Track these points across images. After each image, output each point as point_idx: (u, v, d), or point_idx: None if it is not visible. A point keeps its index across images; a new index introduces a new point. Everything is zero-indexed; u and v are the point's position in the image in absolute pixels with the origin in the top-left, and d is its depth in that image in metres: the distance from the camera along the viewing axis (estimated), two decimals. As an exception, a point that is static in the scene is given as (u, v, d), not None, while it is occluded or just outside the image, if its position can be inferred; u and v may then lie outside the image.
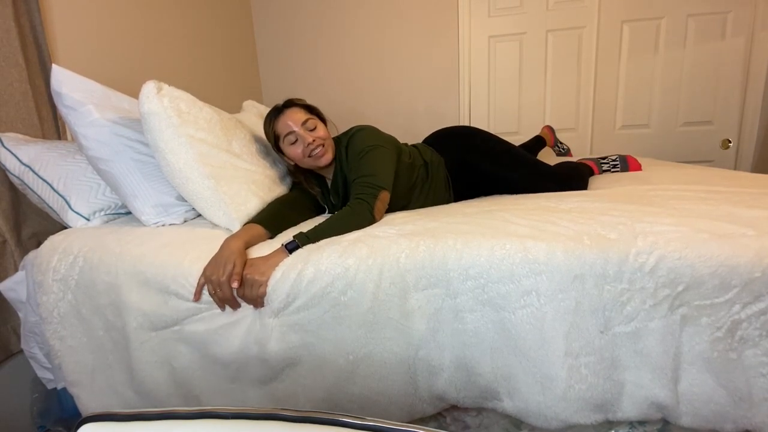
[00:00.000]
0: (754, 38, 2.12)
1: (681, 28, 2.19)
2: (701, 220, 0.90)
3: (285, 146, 1.25)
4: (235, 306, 0.95)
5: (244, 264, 0.96)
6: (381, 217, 1.16)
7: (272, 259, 0.97)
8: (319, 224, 1.05)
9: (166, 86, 1.09)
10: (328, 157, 1.24)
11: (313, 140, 1.21)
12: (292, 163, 1.30)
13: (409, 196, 1.32)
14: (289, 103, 1.27)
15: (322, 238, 1.02)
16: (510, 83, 2.45)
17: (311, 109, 1.29)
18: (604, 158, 1.72)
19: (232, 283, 0.91)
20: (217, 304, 0.95)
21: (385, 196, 1.17)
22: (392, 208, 1.26)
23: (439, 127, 1.57)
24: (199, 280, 0.95)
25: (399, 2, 2.47)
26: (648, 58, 2.26)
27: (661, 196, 1.12)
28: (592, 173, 1.64)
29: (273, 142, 1.27)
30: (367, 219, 1.10)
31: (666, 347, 0.82)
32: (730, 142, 2.26)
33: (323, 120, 1.30)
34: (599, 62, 2.32)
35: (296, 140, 1.22)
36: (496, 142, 1.46)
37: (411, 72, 2.55)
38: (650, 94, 2.30)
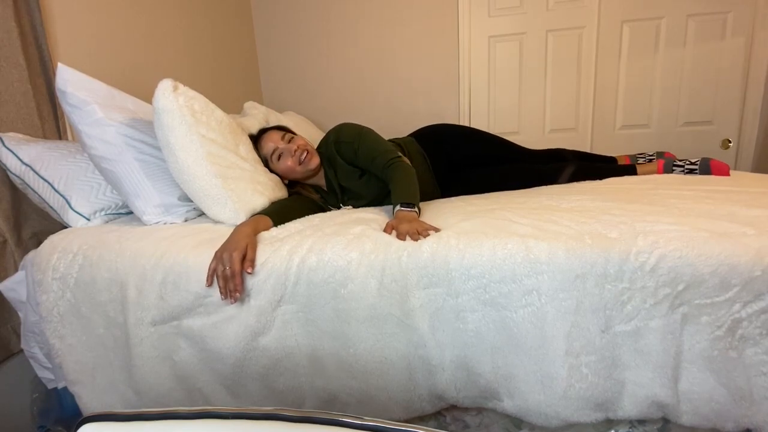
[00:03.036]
0: (754, 38, 2.12)
1: (681, 28, 2.19)
2: (701, 219, 0.90)
3: (275, 164, 1.33)
4: (239, 286, 0.90)
5: (255, 249, 0.96)
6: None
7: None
8: (398, 190, 1.14)
9: (181, 85, 1.11)
10: (316, 160, 1.32)
11: (297, 147, 1.30)
12: (286, 181, 1.37)
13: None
14: (263, 130, 1.39)
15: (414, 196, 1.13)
16: (510, 83, 2.45)
17: (283, 128, 1.40)
18: (681, 161, 1.52)
19: (247, 269, 0.91)
20: (220, 287, 0.91)
21: (403, 158, 1.28)
22: (379, 188, 1.36)
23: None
24: (210, 264, 0.93)
25: (399, 2, 2.47)
26: (648, 58, 2.26)
27: (661, 195, 1.12)
28: (622, 172, 1.49)
29: (264, 165, 1.33)
30: (411, 169, 1.22)
31: (666, 346, 0.82)
32: (730, 142, 2.26)
33: (294, 134, 1.40)
34: (599, 62, 2.32)
35: (282, 154, 1.31)
36: (479, 132, 1.61)
37: (411, 72, 2.55)
38: (650, 94, 2.30)
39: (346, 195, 1.39)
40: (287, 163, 1.30)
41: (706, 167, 1.45)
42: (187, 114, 1.07)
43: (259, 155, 1.33)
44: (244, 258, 0.92)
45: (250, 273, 0.92)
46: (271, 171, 1.33)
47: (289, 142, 1.32)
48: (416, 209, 1.09)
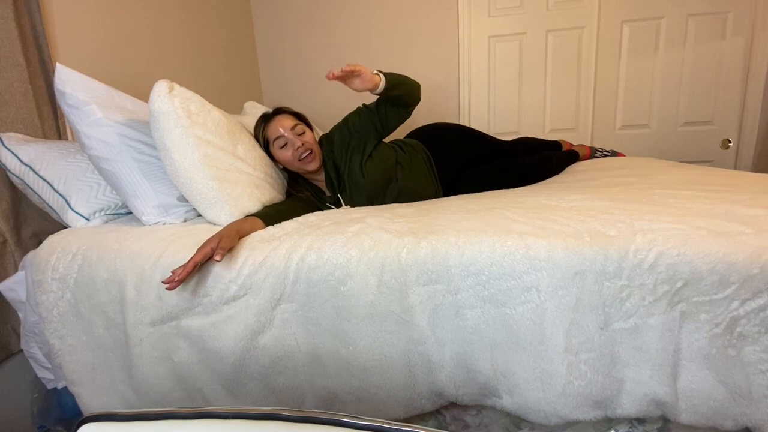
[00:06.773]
0: (754, 38, 2.12)
1: (681, 28, 2.19)
2: (700, 218, 0.90)
3: (275, 150, 1.31)
4: (181, 274, 0.86)
5: (230, 241, 0.94)
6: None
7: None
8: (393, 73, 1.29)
9: (177, 86, 1.10)
10: (316, 162, 1.31)
11: (302, 144, 1.28)
12: (281, 166, 1.36)
13: (394, 172, 1.41)
14: (279, 110, 1.35)
15: (395, 81, 1.29)
16: (510, 83, 2.46)
17: (299, 116, 1.37)
18: (599, 150, 1.98)
19: (215, 257, 0.88)
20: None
21: None
22: (380, 182, 1.38)
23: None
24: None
25: (399, 3, 2.47)
26: (648, 58, 2.26)
27: (660, 195, 1.12)
28: (575, 159, 1.86)
29: (263, 147, 1.32)
30: (417, 84, 1.38)
31: (665, 344, 0.82)
32: (730, 142, 2.26)
33: (310, 127, 1.38)
34: (599, 62, 2.32)
35: (285, 144, 1.29)
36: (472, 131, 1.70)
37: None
38: (650, 94, 2.30)
39: (345, 186, 1.37)
40: (287, 155, 1.29)
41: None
42: (183, 116, 1.06)
43: (261, 134, 1.31)
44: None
45: (217, 260, 0.88)
46: (270, 155, 1.33)
47: (299, 134, 1.30)
48: (380, 75, 1.25)
